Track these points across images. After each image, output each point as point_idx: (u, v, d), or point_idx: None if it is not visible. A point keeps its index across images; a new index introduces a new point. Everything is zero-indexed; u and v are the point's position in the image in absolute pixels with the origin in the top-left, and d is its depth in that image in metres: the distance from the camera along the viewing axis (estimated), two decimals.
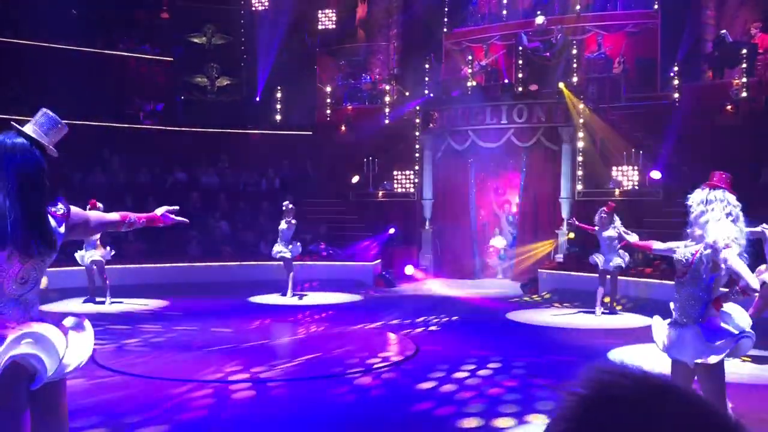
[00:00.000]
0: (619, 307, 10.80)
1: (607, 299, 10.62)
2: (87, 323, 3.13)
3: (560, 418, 0.82)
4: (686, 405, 0.79)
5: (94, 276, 11.36)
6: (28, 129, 2.94)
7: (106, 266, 11.36)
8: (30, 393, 2.80)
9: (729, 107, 13.95)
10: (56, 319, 3.03)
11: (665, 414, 0.77)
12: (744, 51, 13.99)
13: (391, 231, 14.74)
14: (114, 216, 3.37)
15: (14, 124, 2.96)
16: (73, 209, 3.06)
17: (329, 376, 6.85)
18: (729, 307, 4.13)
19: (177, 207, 3.58)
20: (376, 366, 7.31)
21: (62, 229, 2.96)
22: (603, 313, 10.44)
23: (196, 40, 19.23)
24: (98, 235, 11.12)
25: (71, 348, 2.93)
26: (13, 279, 2.80)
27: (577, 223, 10.74)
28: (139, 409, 5.69)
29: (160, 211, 3.52)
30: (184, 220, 3.65)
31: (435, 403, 5.93)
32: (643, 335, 8.37)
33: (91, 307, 11.00)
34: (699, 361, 4.01)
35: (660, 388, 0.80)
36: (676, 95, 14.63)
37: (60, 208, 2.99)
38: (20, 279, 2.82)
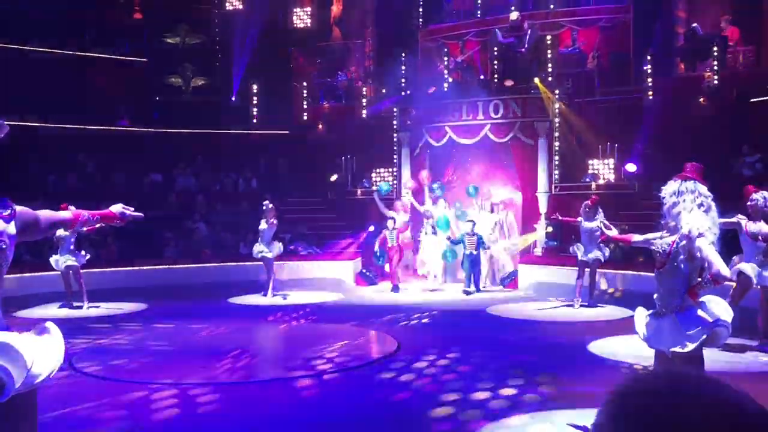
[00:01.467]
0: (613, 291, 11.04)
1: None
2: (55, 329, 2.98)
3: (601, 411, 0.86)
4: (719, 396, 0.81)
5: (71, 280, 11.22)
6: None
7: (81, 270, 11.23)
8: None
9: (701, 100, 14.14)
10: (26, 327, 2.93)
11: (699, 404, 0.80)
12: (715, 44, 14.19)
13: (371, 229, 14.73)
14: (66, 214, 3.29)
15: None
16: (21, 209, 2.92)
17: (307, 375, 6.83)
18: (708, 297, 4.20)
19: (134, 210, 3.58)
20: (355, 363, 7.30)
21: (12, 229, 2.84)
22: (581, 305, 10.54)
23: (169, 41, 19.06)
24: (73, 239, 11.01)
25: (40, 357, 2.78)
26: None
27: (560, 218, 10.78)
28: (116, 412, 5.63)
29: (115, 208, 3.49)
30: (140, 214, 3.61)
31: (413, 397, 5.94)
32: (622, 327, 8.48)
33: (68, 312, 10.87)
34: (675, 349, 4.07)
35: (694, 379, 0.84)
36: (650, 89, 14.80)
37: (5, 209, 2.85)
38: None
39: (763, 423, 0.80)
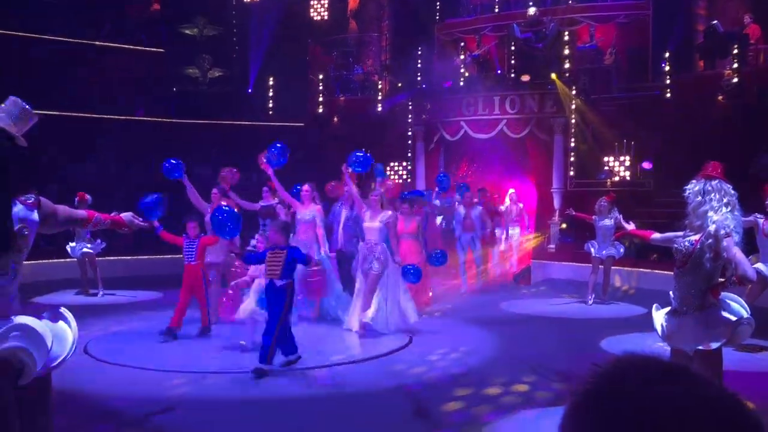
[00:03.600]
0: (627, 289, 10.96)
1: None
2: (69, 315, 3.07)
3: (570, 412, 0.82)
4: (694, 386, 0.79)
5: (86, 268, 11.32)
6: None
7: (97, 258, 11.34)
8: (16, 388, 2.72)
9: (720, 98, 14.00)
10: (41, 312, 2.98)
11: (674, 396, 0.77)
12: (735, 41, 14.03)
13: None
14: (82, 213, 3.41)
15: None
16: (43, 200, 3.00)
17: (319, 366, 6.86)
18: (727, 294, 4.17)
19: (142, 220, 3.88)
20: (367, 356, 7.32)
21: (35, 217, 2.90)
22: (595, 302, 10.50)
23: (187, 32, 19.12)
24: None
25: (56, 341, 2.87)
26: None
27: (574, 213, 10.77)
28: (129, 398, 5.69)
29: (126, 216, 3.65)
30: (146, 224, 3.93)
31: (424, 390, 5.95)
32: (636, 324, 8.44)
33: (83, 299, 10.98)
34: (698, 348, 4.05)
35: (668, 371, 0.81)
36: (668, 86, 14.67)
37: (30, 197, 2.93)
38: None
39: (744, 421, 0.78)
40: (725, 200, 4.07)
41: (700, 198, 4.11)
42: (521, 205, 13.69)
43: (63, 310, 3.10)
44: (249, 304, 7.06)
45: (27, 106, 2.95)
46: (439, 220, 12.26)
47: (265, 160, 9.05)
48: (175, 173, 8.54)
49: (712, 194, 4.08)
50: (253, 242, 8.02)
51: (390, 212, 8.54)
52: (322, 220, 9.27)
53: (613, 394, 0.79)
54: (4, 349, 2.66)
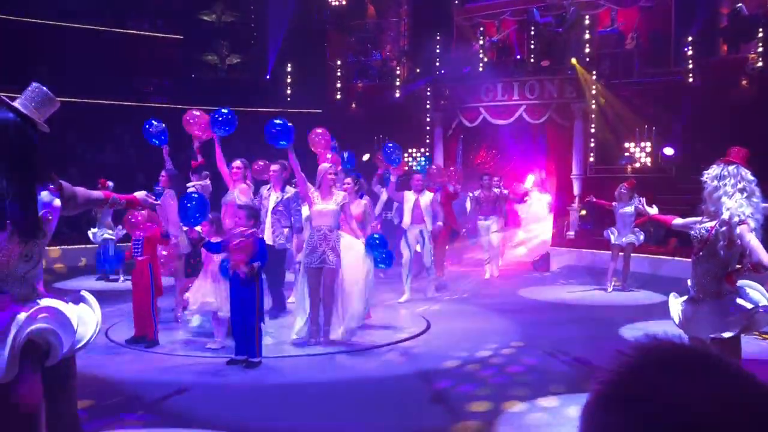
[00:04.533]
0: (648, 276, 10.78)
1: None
2: (92, 298, 3.15)
3: (606, 379, 0.79)
4: (731, 377, 0.77)
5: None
6: (19, 104, 2.86)
7: (118, 244, 11.46)
8: (43, 369, 2.80)
9: (744, 82, 13.78)
10: (64, 296, 3.05)
11: (710, 383, 0.75)
12: (760, 25, 13.78)
13: None
14: (98, 194, 3.46)
15: (3, 98, 2.86)
16: (64, 185, 3.05)
17: (335, 352, 6.88)
18: (745, 282, 4.12)
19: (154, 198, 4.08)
20: (384, 341, 7.33)
21: (57, 202, 2.95)
22: (615, 288, 10.43)
23: (206, 18, 19.15)
24: (110, 213, 11.22)
25: (80, 323, 2.96)
26: (18, 257, 2.78)
27: (594, 200, 10.63)
28: (151, 382, 5.75)
29: (139, 194, 3.81)
30: (158, 202, 4.06)
31: (443, 376, 5.96)
32: (655, 311, 8.37)
33: (104, 284, 11.10)
34: (714, 336, 4.01)
35: (708, 359, 0.78)
36: (690, 71, 14.45)
37: (52, 181, 2.98)
38: (24, 256, 2.81)
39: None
40: (740, 185, 4.00)
41: (715, 183, 4.06)
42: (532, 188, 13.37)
43: (85, 293, 3.16)
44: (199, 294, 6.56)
45: (49, 93, 2.98)
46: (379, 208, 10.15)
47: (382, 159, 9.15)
48: (282, 139, 7.01)
49: (728, 179, 4.02)
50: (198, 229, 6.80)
51: (344, 192, 7.19)
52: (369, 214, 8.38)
53: (640, 387, 0.77)
54: (32, 330, 2.72)
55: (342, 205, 6.94)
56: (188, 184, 8.05)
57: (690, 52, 14.51)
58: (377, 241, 7.34)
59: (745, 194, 4.00)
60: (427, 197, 9.72)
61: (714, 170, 4.11)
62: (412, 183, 9.91)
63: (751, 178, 4.07)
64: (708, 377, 0.76)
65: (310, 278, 6.85)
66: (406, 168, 9.66)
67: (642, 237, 10.43)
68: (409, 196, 9.78)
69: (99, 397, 5.20)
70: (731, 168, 4.05)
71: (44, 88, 2.96)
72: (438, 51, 16.58)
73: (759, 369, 0.83)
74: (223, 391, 5.61)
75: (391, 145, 9.21)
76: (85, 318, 3.01)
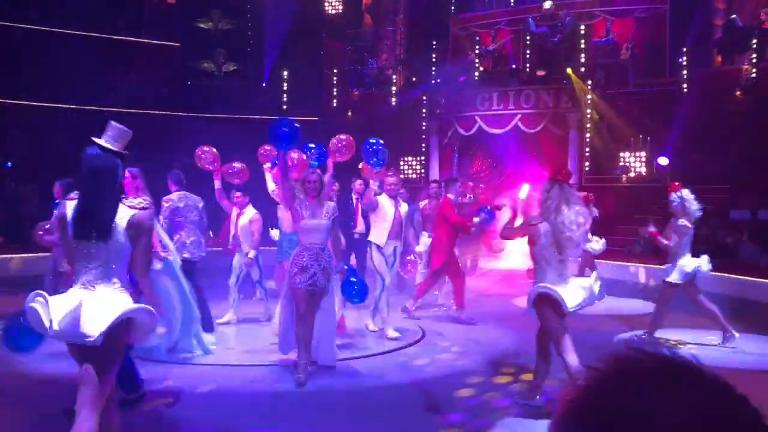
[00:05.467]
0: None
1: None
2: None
3: (579, 392, 0.79)
4: (706, 387, 0.76)
5: None
6: (110, 144, 3.66)
7: None
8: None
9: (738, 93, 13.86)
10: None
11: (683, 393, 0.75)
12: (754, 36, 13.88)
13: None
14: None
15: (95, 139, 3.71)
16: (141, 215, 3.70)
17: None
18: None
19: None
20: (380, 349, 7.32)
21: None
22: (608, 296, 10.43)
23: (202, 26, 19.20)
24: None
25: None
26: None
27: (652, 231, 8.45)
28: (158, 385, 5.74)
29: None
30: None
31: (438, 381, 5.95)
32: (646, 320, 8.37)
33: None
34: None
35: (682, 368, 0.77)
36: (685, 81, 14.54)
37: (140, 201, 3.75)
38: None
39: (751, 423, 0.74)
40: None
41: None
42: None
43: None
44: None
45: (123, 127, 3.75)
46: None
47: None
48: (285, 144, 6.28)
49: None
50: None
51: (332, 203, 6.20)
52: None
53: (607, 401, 0.75)
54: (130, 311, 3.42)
55: (333, 218, 6.07)
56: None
57: (684, 63, 14.60)
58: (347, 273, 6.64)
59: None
60: (404, 207, 8.23)
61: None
62: (384, 187, 8.05)
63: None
64: (681, 389, 0.75)
65: (294, 300, 6.00)
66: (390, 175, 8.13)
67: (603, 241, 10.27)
68: (386, 205, 7.95)
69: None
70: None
71: (119, 125, 3.77)
72: (434, 60, 16.65)
73: (738, 379, 0.82)
74: (217, 398, 5.60)
75: (373, 141, 7.73)
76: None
